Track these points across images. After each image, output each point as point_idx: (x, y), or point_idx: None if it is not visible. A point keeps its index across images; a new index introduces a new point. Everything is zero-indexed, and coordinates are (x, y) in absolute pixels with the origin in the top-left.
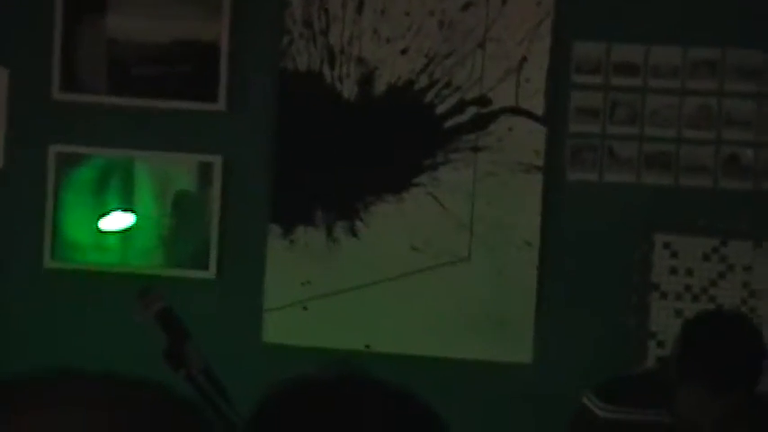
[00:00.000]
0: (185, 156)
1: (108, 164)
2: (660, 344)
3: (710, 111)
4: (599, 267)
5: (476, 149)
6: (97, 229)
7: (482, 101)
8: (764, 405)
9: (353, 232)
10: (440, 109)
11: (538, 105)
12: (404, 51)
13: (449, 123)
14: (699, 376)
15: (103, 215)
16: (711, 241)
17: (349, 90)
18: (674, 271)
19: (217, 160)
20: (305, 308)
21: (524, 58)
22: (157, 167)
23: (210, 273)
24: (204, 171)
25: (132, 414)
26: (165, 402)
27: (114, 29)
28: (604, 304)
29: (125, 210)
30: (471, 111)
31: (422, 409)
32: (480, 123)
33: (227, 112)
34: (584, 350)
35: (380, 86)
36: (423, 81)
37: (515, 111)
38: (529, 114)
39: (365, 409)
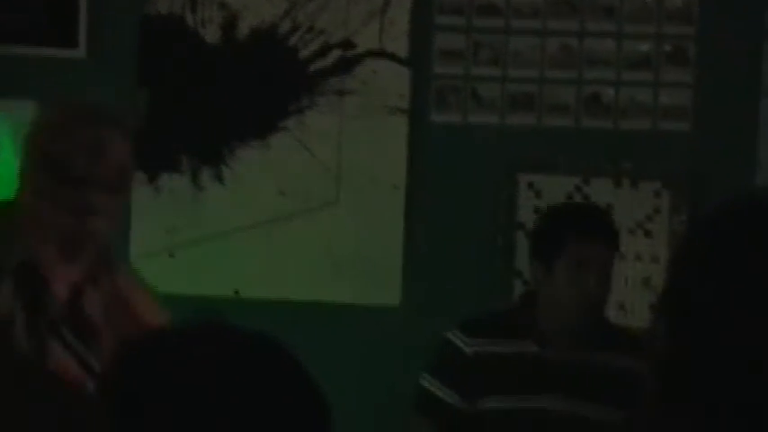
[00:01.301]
0: (47, 103)
1: None
2: (526, 283)
3: (572, 51)
4: (465, 208)
5: (341, 93)
6: None
7: (346, 44)
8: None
9: (219, 178)
10: (304, 53)
11: (402, 48)
12: None
13: (313, 67)
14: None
15: None
16: (574, 179)
17: (212, 34)
18: (538, 210)
19: None
20: (171, 255)
21: (387, 1)
22: (17, 117)
23: None
24: None
25: None
26: None
27: None
28: (471, 245)
29: None
30: (335, 54)
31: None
32: (345, 67)
33: (88, 59)
34: (452, 292)
35: (243, 31)
36: (286, 25)
37: (379, 53)
38: (393, 57)
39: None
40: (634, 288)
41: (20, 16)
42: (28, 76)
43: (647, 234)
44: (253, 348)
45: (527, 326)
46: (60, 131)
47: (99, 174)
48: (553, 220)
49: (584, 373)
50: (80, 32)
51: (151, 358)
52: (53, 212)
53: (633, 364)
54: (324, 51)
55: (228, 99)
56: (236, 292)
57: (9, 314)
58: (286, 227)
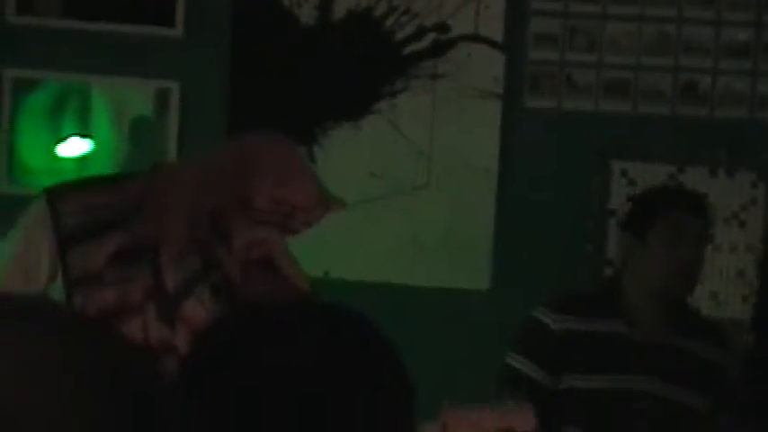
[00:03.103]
0: (143, 81)
1: (64, 88)
2: (616, 272)
3: (669, 38)
4: (557, 194)
5: (434, 76)
6: (54, 154)
7: (441, 27)
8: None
9: (312, 158)
10: (399, 35)
11: (497, 32)
12: None
13: (408, 50)
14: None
15: (60, 140)
16: (668, 168)
17: (307, 15)
18: (630, 198)
19: (174, 86)
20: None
21: None
22: (114, 93)
23: None
24: (162, 97)
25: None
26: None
27: None
28: (562, 231)
29: (82, 135)
30: (430, 37)
31: (376, 334)
32: (439, 50)
33: (185, 38)
34: (542, 277)
35: (339, 12)
36: (382, 7)
37: (474, 37)
38: (488, 41)
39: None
40: (728, 279)
41: None
42: (125, 54)
43: (742, 225)
44: (344, 328)
45: (615, 306)
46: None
47: None
48: (649, 194)
49: (671, 356)
50: (177, 11)
51: (243, 335)
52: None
53: (720, 356)
54: (418, 34)
55: (322, 80)
56: (326, 273)
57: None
58: (377, 208)
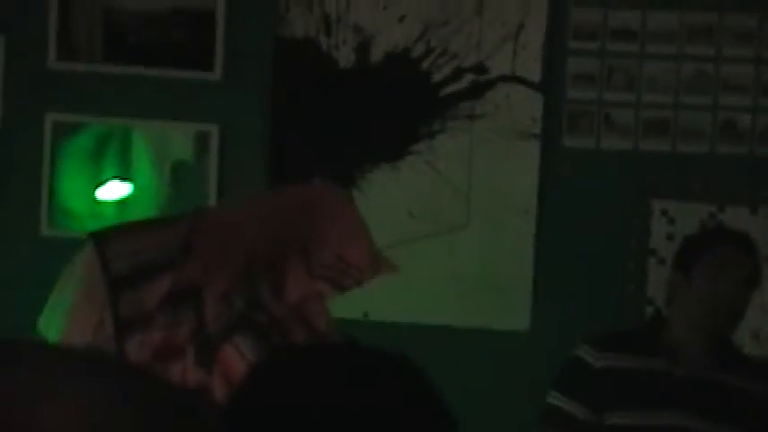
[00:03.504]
0: (182, 124)
1: (105, 132)
2: (657, 310)
3: (707, 76)
4: (596, 234)
5: (472, 117)
6: (94, 197)
7: (479, 68)
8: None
9: (351, 200)
10: (436, 77)
11: (535, 72)
12: (401, 19)
13: (446, 91)
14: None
15: (100, 184)
16: (708, 207)
17: (345, 58)
18: (671, 237)
19: (213, 129)
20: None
21: (521, 25)
22: (154, 136)
23: None
24: (201, 140)
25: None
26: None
27: None
28: (602, 271)
29: (122, 179)
30: (468, 78)
31: (418, 377)
32: (477, 91)
33: (224, 81)
34: (582, 317)
35: (377, 54)
36: (419, 49)
37: (512, 78)
38: (526, 81)
39: (363, 376)
40: None
41: (160, 39)
42: (165, 98)
43: None
44: (386, 370)
45: (656, 343)
46: None
47: None
48: (696, 233)
49: (713, 392)
50: (216, 55)
51: (282, 376)
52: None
53: (763, 392)
54: (456, 75)
55: (361, 122)
56: (366, 315)
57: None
58: (416, 249)
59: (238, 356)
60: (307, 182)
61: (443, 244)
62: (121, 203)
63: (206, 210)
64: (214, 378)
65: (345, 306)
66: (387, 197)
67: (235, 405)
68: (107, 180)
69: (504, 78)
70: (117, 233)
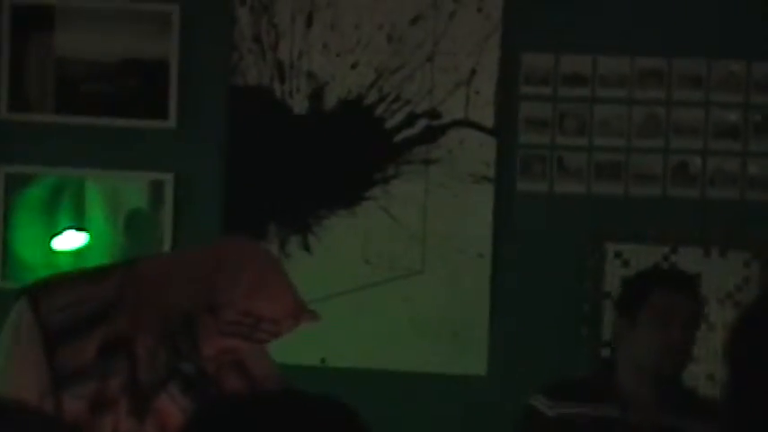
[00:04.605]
0: (136, 174)
1: (59, 183)
2: (613, 351)
3: (658, 119)
4: (551, 277)
5: (427, 162)
6: (50, 248)
7: (432, 114)
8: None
9: (306, 246)
10: (390, 122)
11: (488, 117)
12: (353, 66)
13: (399, 137)
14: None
15: (56, 234)
16: (662, 249)
17: (299, 105)
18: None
19: (168, 178)
20: None
21: (473, 71)
22: (109, 186)
23: None
24: (156, 189)
25: None
26: None
27: (62, 46)
28: (557, 314)
29: (77, 229)
30: (422, 123)
31: (354, 423)
32: (431, 136)
33: (178, 129)
34: (539, 360)
35: (331, 101)
36: (373, 95)
37: (465, 123)
38: (479, 126)
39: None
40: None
41: (113, 89)
42: (119, 147)
43: (737, 305)
44: (321, 418)
45: (609, 389)
46: None
47: None
48: (639, 276)
49: None
50: (170, 103)
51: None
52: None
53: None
54: (410, 121)
55: (315, 168)
56: (323, 361)
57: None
58: (372, 295)
59: (174, 406)
60: (258, 230)
61: (400, 289)
62: (77, 253)
63: (137, 261)
64: (147, 428)
65: (303, 352)
66: (343, 243)
67: None
68: (62, 230)
69: (458, 123)
70: (51, 286)
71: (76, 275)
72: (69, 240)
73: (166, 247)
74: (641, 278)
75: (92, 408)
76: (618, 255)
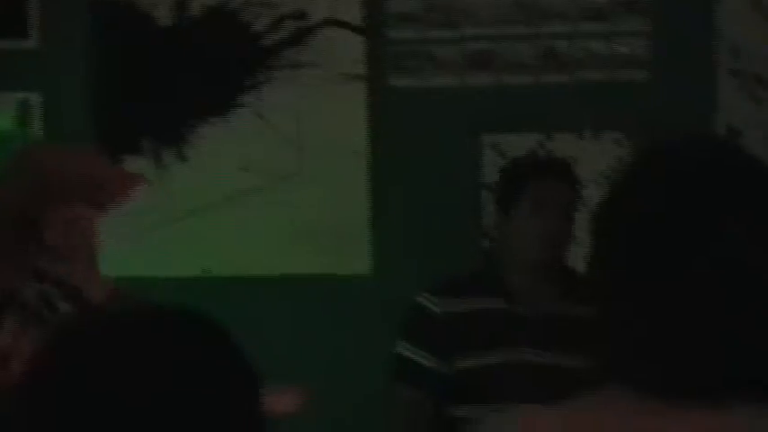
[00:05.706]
0: (2, 94)
1: None
2: (493, 241)
3: (525, 6)
4: (429, 171)
5: (297, 65)
6: None
7: (298, 15)
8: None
9: (182, 157)
10: (256, 27)
11: (355, 15)
12: None
13: (267, 41)
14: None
15: None
16: (537, 136)
17: (164, 15)
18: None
19: (35, 98)
20: (138, 238)
21: None
22: None
23: None
24: (23, 109)
25: None
26: None
27: None
28: (438, 209)
29: None
30: (289, 26)
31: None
32: (299, 38)
33: (41, 48)
34: (422, 255)
35: (195, 9)
36: (237, 0)
37: (333, 22)
38: (347, 25)
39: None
40: None
41: None
42: None
43: None
44: (168, 329)
45: (494, 283)
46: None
47: None
48: (514, 166)
49: (552, 325)
50: (30, 23)
51: (67, 348)
52: None
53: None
54: (277, 24)
55: (185, 79)
56: (205, 270)
57: None
58: (251, 202)
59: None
60: (131, 145)
61: (278, 194)
62: None
63: None
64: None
65: (183, 263)
66: (218, 151)
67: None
68: None
69: (326, 23)
70: None
71: None
72: None
73: None
74: (515, 168)
75: None
76: (494, 146)
